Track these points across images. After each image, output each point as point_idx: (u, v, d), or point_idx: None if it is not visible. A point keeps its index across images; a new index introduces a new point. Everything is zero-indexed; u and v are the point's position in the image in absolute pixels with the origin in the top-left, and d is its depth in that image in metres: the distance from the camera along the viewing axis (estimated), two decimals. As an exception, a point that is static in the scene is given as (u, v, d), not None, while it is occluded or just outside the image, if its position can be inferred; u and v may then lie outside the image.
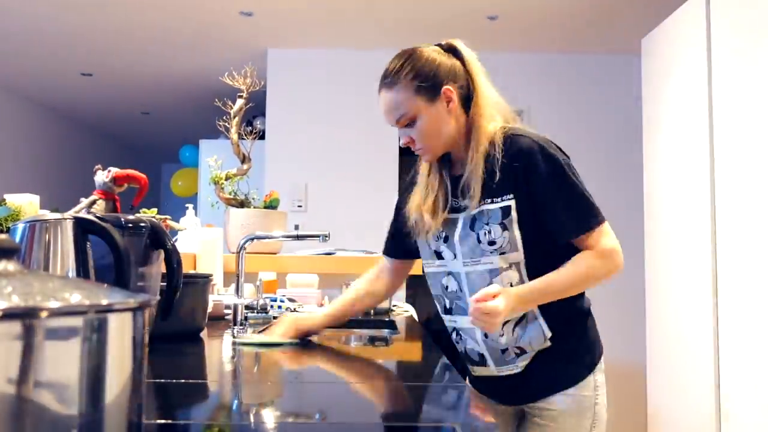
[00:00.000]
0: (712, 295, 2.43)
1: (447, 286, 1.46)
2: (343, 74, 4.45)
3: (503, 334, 1.38)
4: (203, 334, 1.55)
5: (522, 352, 1.39)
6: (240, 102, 2.44)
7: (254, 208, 2.48)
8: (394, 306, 2.33)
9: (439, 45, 1.43)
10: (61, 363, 0.42)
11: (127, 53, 4.55)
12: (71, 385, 0.42)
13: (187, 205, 2.61)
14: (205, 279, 1.56)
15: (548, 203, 1.33)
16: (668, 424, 2.77)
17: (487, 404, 1.49)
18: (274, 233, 2.05)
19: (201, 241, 2.24)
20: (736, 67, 2.38)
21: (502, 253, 1.35)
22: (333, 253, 2.57)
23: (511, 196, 1.34)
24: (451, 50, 1.43)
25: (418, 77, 1.36)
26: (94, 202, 1.70)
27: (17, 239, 1.04)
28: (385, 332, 1.91)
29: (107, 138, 7.45)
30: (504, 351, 1.40)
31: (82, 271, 1.03)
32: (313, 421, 0.81)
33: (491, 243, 1.35)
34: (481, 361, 1.44)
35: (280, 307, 1.87)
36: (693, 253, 2.57)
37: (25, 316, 0.40)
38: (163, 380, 1.00)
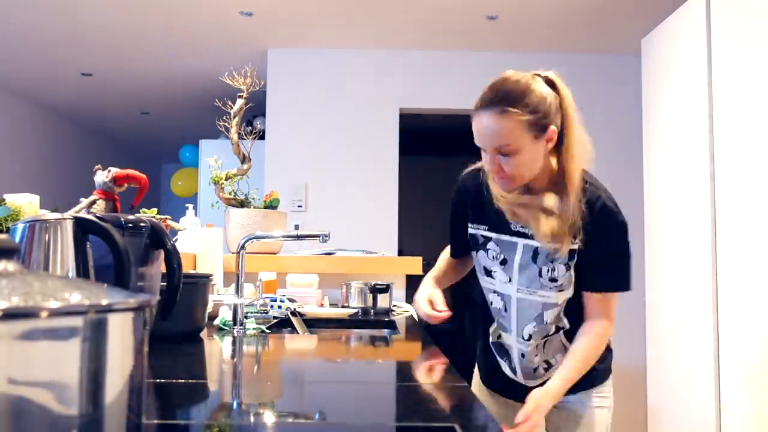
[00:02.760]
0: (712, 295, 2.43)
1: (492, 302, 1.54)
2: (343, 74, 4.45)
3: (536, 354, 1.51)
4: (203, 334, 1.55)
5: (549, 366, 1.52)
6: (240, 102, 2.44)
7: (254, 208, 2.47)
8: (394, 306, 2.33)
9: (538, 75, 1.39)
10: (61, 363, 0.42)
11: (127, 53, 4.55)
12: (71, 385, 0.42)
13: (187, 205, 2.61)
14: (205, 279, 1.56)
15: (596, 255, 1.41)
16: (668, 424, 2.77)
17: (498, 400, 1.63)
18: (274, 233, 2.05)
19: (201, 241, 2.24)
20: (736, 67, 2.38)
21: (560, 290, 1.43)
22: (333, 253, 2.57)
23: (579, 242, 1.40)
24: (550, 84, 1.39)
25: (533, 112, 1.33)
26: (94, 202, 1.70)
27: (17, 239, 1.04)
28: (385, 332, 1.91)
29: (107, 138, 7.45)
30: (535, 369, 1.54)
31: (82, 271, 1.03)
32: (313, 421, 0.81)
33: (552, 280, 1.43)
34: (512, 372, 1.57)
35: (280, 307, 1.87)
36: (693, 253, 2.57)
37: (25, 316, 0.40)
38: (163, 380, 1.00)
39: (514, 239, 1.45)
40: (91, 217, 1.06)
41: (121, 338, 0.46)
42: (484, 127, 1.35)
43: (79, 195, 1.92)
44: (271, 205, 2.50)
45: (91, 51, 4.51)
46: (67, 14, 3.84)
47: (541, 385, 1.47)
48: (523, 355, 1.51)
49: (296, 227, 4.09)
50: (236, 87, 2.45)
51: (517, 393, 1.55)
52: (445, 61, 4.40)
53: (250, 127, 2.75)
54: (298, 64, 4.45)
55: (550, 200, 1.40)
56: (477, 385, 1.69)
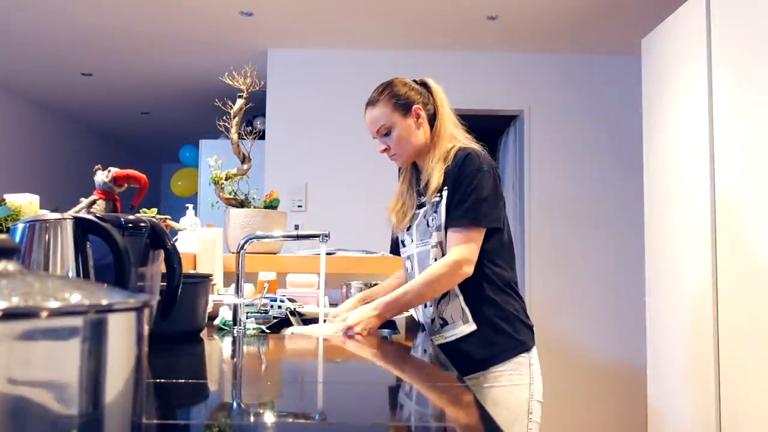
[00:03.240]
0: (712, 295, 2.43)
1: (407, 269, 1.81)
2: (343, 74, 4.45)
3: (429, 305, 1.72)
4: (203, 334, 1.55)
5: (445, 322, 1.69)
6: (240, 102, 2.44)
7: (254, 208, 2.47)
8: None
9: (414, 80, 1.81)
10: (61, 363, 0.42)
11: (127, 53, 4.55)
12: (71, 385, 0.42)
13: (187, 205, 2.61)
14: (205, 279, 1.56)
15: (451, 194, 1.64)
16: (668, 424, 2.77)
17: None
18: (274, 233, 2.05)
19: (201, 241, 2.24)
20: (736, 67, 2.38)
21: (437, 230, 1.67)
22: (333, 253, 2.57)
23: (446, 188, 1.67)
24: (423, 84, 1.81)
25: (394, 97, 1.75)
26: (94, 202, 1.70)
27: (17, 239, 1.04)
28: (385, 332, 1.90)
29: (107, 138, 7.45)
30: (432, 321, 1.72)
31: (82, 271, 1.03)
32: (313, 421, 0.81)
33: (432, 226, 1.69)
34: (422, 329, 1.79)
35: (280, 307, 1.87)
36: (693, 253, 2.57)
37: (25, 316, 0.40)
38: (163, 380, 1.00)
39: (418, 210, 1.78)
40: (91, 217, 1.06)
41: (121, 338, 0.46)
42: (367, 120, 1.79)
43: (79, 195, 1.92)
44: (271, 205, 2.50)
45: (91, 51, 4.51)
46: (67, 14, 3.84)
47: (445, 345, 1.65)
48: (426, 306, 1.73)
49: (296, 227, 4.08)
50: (236, 87, 2.45)
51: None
52: (445, 61, 4.40)
53: (250, 127, 2.75)
54: (298, 64, 4.46)
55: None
56: None
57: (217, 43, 4.30)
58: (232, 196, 2.47)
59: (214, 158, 2.53)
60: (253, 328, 1.64)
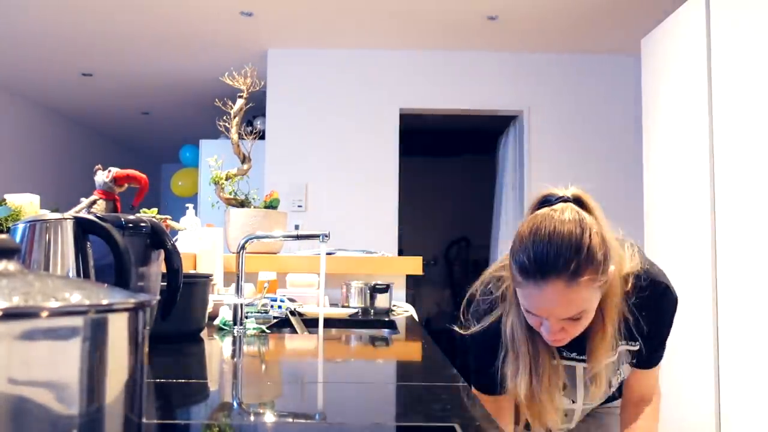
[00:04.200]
0: (712, 295, 2.43)
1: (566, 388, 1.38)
2: (343, 74, 4.45)
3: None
4: (203, 334, 1.55)
5: (614, 397, 1.46)
6: (240, 102, 2.44)
7: (254, 208, 2.47)
8: (394, 306, 2.33)
9: (565, 200, 1.22)
10: (61, 363, 0.42)
11: (127, 53, 4.55)
12: (71, 385, 0.42)
13: (187, 205, 2.60)
14: (205, 279, 1.56)
15: (656, 335, 1.32)
16: (668, 424, 2.77)
17: None
18: (274, 233, 2.05)
19: (201, 241, 2.24)
20: (736, 67, 2.38)
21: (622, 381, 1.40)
22: (333, 253, 2.57)
23: (640, 339, 1.29)
24: (579, 203, 1.23)
25: (600, 274, 1.14)
26: (94, 202, 1.70)
27: (17, 239, 1.04)
28: (385, 332, 1.91)
29: (107, 138, 7.45)
30: (594, 410, 1.48)
31: (82, 271, 1.03)
32: (313, 421, 0.81)
33: (621, 382, 1.39)
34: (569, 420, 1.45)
35: (280, 307, 1.87)
36: (693, 253, 2.57)
37: (25, 316, 0.40)
38: (163, 380, 1.00)
39: (570, 363, 1.32)
40: (91, 217, 1.06)
41: (121, 338, 0.46)
42: (550, 298, 1.13)
43: (79, 195, 1.92)
44: (271, 205, 2.50)
45: (91, 51, 4.51)
46: (67, 14, 3.84)
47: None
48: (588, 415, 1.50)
49: (296, 227, 4.08)
50: (236, 87, 2.45)
51: None
52: (445, 61, 4.40)
53: (250, 127, 2.75)
54: (298, 64, 4.45)
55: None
56: None
57: (217, 43, 4.30)
58: (232, 196, 2.47)
59: (214, 158, 2.53)
60: (253, 328, 1.64)
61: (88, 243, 1.04)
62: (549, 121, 4.41)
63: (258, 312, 1.75)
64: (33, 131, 6.02)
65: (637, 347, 1.29)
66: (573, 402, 1.36)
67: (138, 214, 1.47)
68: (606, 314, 1.21)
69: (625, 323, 1.25)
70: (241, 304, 1.62)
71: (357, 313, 2.16)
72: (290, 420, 0.82)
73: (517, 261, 1.15)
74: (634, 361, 1.33)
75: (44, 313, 0.40)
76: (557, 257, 1.10)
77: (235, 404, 0.92)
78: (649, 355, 1.31)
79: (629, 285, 1.23)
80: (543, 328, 1.18)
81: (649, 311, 1.26)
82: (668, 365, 2.78)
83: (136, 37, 4.24)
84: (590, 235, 1.14)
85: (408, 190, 5.00)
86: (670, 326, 1.33)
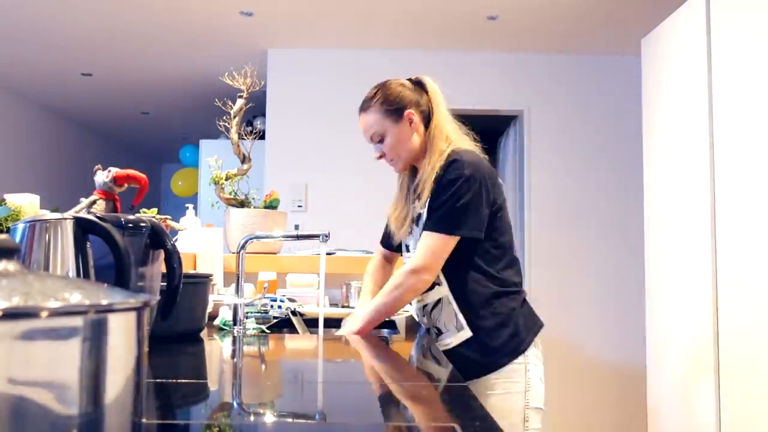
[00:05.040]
0: (712, 295, 2.43)
1: None
2: (343, 74, 4.45)
3: (423, 315, 1.70)
4: (203, 334, 1.55)
5: (439, 331, 1.66)
6: (240, 102, 2.44)
7: (254, 208, 2.47)
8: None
9: (409, 79, 1.75)
10: (61, 363, 0.42)
11: (127, 53, 4.55)
12: (71, 385, 0.42)
13: (187, 205, 2.61)
14: (205, 279, 1.56)
15: (431, 202, 1.61)
16: (668, 424, 2.77)
17: None
18: (274, 233, 2.05)
19: (201, 241, 2.24)
20: (736, 67, 2.38)
21: None
22: (333, 253, 2.57)
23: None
24: (418, 83, 1.75)
25: (386, 102, 1.69)
26: (94, 202, 1.70)
27: (17, 239, 1.04)
28: (384, 332, 1.91)
29: (107, 138, 7.45)
30: (428, 330, 1.70)
31: (82, 271, 1.03)
32: (313, 421, 0.81)
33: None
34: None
35: (280, 307, 1.87)
36: (693, 253, 2.57)
37: (25, 316, 0.40)
38: (163, 380, 1.00)
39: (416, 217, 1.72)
40: (91, 217, 1.06)
41: (121, 338, 0.46)
42: (360, 127, 1.74)
43: (79, 195, 1.92)
44: (271, 205, 2.50)
45: (91, 51, 4.51)
46: (67, 14, 3.84)
47: (446, 352, 1.60)
48: (420, 315, 1.73)
49: (296, 227, 4.08)
50: (236, 87, 2.45)
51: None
52: (445, 61, 4.40)
53: (250, 127, 2.75)
54: (298, 64, 4.45)
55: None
56: None
57: (217, 43, 4.30)
58: (232, 196, 2.47)
59: (214, 158, 2.53)
60: (253, 328, 1.64)
61: (88, 243, 1.04)
62: (549, 121, 4.41)
63: (258, 312, 1.75)
64: (33, 131, 6.02)
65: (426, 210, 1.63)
66: (414, 247, 1.66)
67: (138, 214, 1.47)
68: (428, 161, 1.64)
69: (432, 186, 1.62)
70: (241, 304, 1.62)
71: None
72: (290, 420, 0.82)
73: None
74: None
75: (44, 313, 0.40)
76: (363, 99, 1.74)
77: (235, 404, 0.92)
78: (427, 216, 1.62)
79: (441, 150, 1.65)
80: (374, 156, 1.76)
81: (440, 178, 1.61)
82: (668, 365, 2.78)
83: (136, 37, 4.24)
84: (384, 87, 1.71)
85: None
86: (443, 194, 1.58)
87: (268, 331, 1.66)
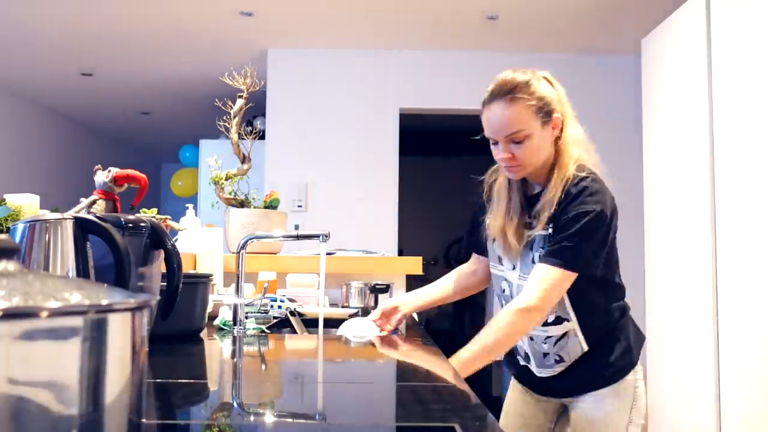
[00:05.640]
0: (712, 295, 2.43)
1: (504, 290, 1.60)
2: (343, 74, 4.45)
3: (543, 342, 1.55)
4: (203, 334, 1.55)
5: (561, 360, 1.55)
6: (240, 102, 2.44)
7: (254, 208, 2.47)
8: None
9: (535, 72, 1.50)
10: (61, 363, 0.42)
11: (127, 53, 4.55)
12: (71, 385, 0.42)
13: (187, 205, 2.60)
14: (205, 279, 1.56)
15: (555, 232, 1.45)
16: (668, 424, 2.77)
17: (530, 396, 1.68)
18: (274, 233, 2.05)
19: (201, 241, 2.24)
20: (736, 67, 2.38)
21: None
22: (333, 253, 2.57)
23: (553, 226, 1.46)
24: (547, 81, 1.51)
25: (539, 99, 1.44)
26: (94, 202, 1.70)
27: (17, 239, 1.04)
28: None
29: (107, 138, 7.45)
30: (545, 355, 1.56)
31: (82, 271, 1.03)
32: (313, 421, 0.81)
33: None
34: (526, 359, 1.62)
35: (280, 307, 1.87)
36: (693, 253, 2.57)
37: (25, 316, 0.40)
38: (163, 380, 1.00)
39: (529, 235, 1.52)
40: (91, 217, 1.06)
41: (121, 338, 0.46)
42: (496, 116, 1.44)
43: (79, 195, 1.92)
44: (271, 205, 2.50)
45: (91, 51, 4.51)
46: (67, 14, 3.84)
47: (555, 377, 1.54)
48: (531, 339, 1.56)
49: (296, 227, 4.08)
50: (236, 87, 2.45)
51: (533, 383, 1.63)
52: (445, 61, 4.40)
53: (250, 127, 2.75)
54: (298, 64, 4.46)
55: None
56: (512, 384, 1.76)
57: (217, 43, 4.30)
58: (232, 196, 2.47)
59: (214, 158, 2.53)
60: (253, 328, 1.64)
61: (88, 243, 1.04)
62: (549, 121, 4.40)
63: (258, 312, 1.75)
64: (33, 131, 6.02)
65: (549, 231, 1.45)
66: (513, 268, 1.53)
67: (138, 214, 1.47)
68: (558, 178, 1.46)
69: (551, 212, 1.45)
70: (241, 304, 1.62)
71: (357, 313, 2.16)
72: (290, 420, 0.82)
73: (483, 101, 1.49)
74: (544, 249, 1.45)
75: (44, 313, 0.40)
76: (501, 85, 1.45)
77: (235, 404, 0.92)
78: (549, 246, 1.45)
79: (571, 171, 1.46)
80: (500, 155, 1.47)
81: (567, 205, 1.43)
82: (668, 365, 2.78)
83: (136, 37, 4.24)
84: (533, 79, 1.45)
85: (408, 190, 5.00)
86: (577, 229, 1.41)
87: (267, 331, 1.66)
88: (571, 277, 1.42)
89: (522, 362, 1.65)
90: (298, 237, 1.74)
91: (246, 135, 2.50)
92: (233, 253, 2.40)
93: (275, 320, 1.80)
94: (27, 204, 1.61)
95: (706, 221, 2.48)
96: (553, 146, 1.49)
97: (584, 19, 3.85)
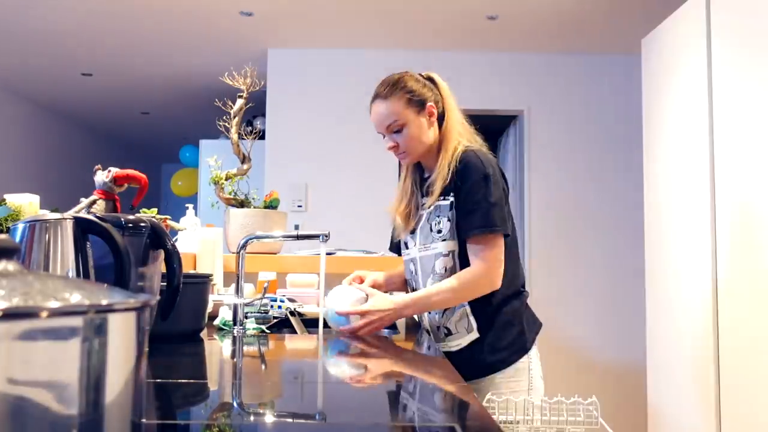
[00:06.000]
0: (712, 295, 2.43)
1: (412, 271, 1.76)
2: (343, 74, 4.45)
3: (435, 313, 1.68)
4: (203, 334, 1.55)
5: (449, 332, 1.67)
6: (240, 102, 2.44)
7: (254, 208, 2.47)
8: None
9: (419, 74, 1.74)
10: (61, 363, 0.42)
11: (127, 53, 4.55)
12: (71, 385, 0.42)
13: (187, 205, 2.60)
14: (205, 279, 1.56)
15: (461, 204, 1.61)
16: (668, 424, 2.77)
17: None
18: (274, 233, 2.05)
19: (201, 241, 2.23)
20: (736, 66, 2.38)
21: (443, 240, 1.64)
22: (333, 253, 2.57)
23: (452, 195, 1.63)
24: (430, 80, 1.75)
25: (409, 92, 1.66)
26: (94, 202, 1.70)
27: (17, 239, 1.04)
28: (385, 332, 1.90)
29: (107, 138, 7.45)
30: (438, 328, 1.69)
31: (82, 271, 1.03)
32: (313, 421, 0.81)
33: (438, 231, 1.65)
34: (427, 332, 1.76)
35: (280, 307, 1.87)
36: (693, 253, 2.57)
37: (25, 316, 0.40)
38: (163, 380, 1.00)
39: (421, 212, 1.72)
40: (91, 217, 1.06)
41: (121, 338, 0.46)
42: (376, 113, 1.69)
43: (79, 195, 1.92)
44: (271, 205, 2.50)
45: (91, 51, 4.51)
46: (67, 14, 3.84)
47: (457, 356, 1.62)
48: (430, 312, 1.70)
49: (296, 227, 4.08)
50: (236, 87, 2.44)
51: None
52: (445, 61, 4.40)
53: (250, 127, 2.75)
54: (298, 64, 4.45)
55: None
56: None
57: (217, 43, 4.30)
58: (232, 196, 2.47)
59: (214, 158, 2.53)
60: (253, 328, 1.64)
61: (88, 243, 1.04)
62: (549, 121, 4.41)
63: (258, 312, 1.75)
64: (33, 131, 6.02)
65: (449, 201, 1.62)
66: (415, 244, 1.71)
67: (138, 214, 1.47)
68: (443, 158, 1.64)
69: (446, 180, 1.62)
70: (241, 304, 1.62)
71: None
72: (290, 420, 0.82)
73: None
74: (450, 215, 1.62)
75: (44, 313, 0.40)
76: (378, 86, 1.70)
77: (235, 404, 0.92)
78: (461, 219, 1.61)
79: (456, 154, 1.64)
80: (387, 146, 1.69)
81: (462, 172, 1.61)
82: (668, 365, 2.78)
83: (136, 37, 4.24)
84: (405, 77, 1.69)
85: (408, 190, 4.99)
86: (477, 198, 1.58)
87: (267, 331, 1.66)
88: (500, 238, 1.58)
89: (426, 335, 1.75)
90: (298, 237, 1.74)
91: (246, 135, 2.50)
92: (233, 253, 2.40)
93: (275, 320, 1.80)
94: (27, 204, 1.61)
95: (706, 221, 2.48)
96: (437, 132, 1.70)
97: (584, 19, 3.85)
